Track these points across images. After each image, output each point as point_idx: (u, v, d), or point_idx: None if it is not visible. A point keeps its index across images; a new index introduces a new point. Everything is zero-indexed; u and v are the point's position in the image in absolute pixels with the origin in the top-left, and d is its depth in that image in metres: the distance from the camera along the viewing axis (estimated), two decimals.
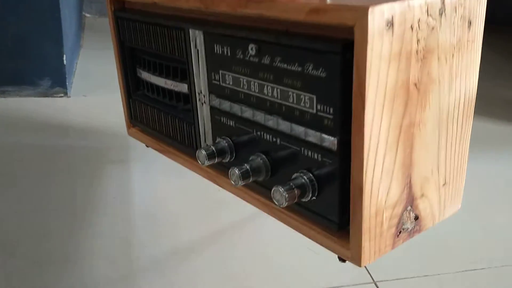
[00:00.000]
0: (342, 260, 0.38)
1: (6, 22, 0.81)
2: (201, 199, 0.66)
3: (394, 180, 0.35)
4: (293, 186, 0.36)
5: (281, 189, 0.35)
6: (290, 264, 0.53)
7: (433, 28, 0.33)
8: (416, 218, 0.38)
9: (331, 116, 0.33)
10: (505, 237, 0.61)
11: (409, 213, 0.37)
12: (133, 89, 0.59)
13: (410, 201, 0.37)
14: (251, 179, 0.40)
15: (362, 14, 0.29)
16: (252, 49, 0.38)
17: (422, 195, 0.38)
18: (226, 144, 0.44)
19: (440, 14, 0.33)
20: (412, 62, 0.32)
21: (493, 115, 0.97)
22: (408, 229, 0.38)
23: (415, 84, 0.33)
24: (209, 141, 0.47)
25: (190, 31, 0.45)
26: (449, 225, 0.52)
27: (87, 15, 1.39)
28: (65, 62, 0.89)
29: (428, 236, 0.49)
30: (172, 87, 0.51)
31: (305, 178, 0.36)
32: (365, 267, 0.47)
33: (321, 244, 0.38)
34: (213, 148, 0.43)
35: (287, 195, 0.35)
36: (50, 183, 0.69)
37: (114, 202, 0.65)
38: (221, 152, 0.44)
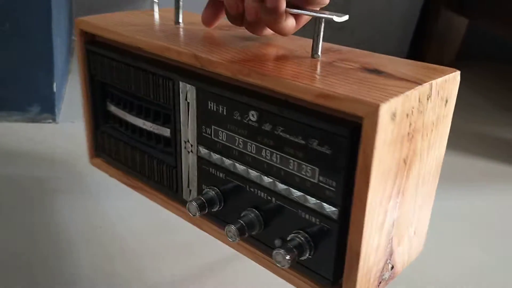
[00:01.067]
0: None
1: None
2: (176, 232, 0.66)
3: (382, 241, 0.39)
4: (293, 248, 0.39)
5: (283, 252, 0.38)
6: None
7: (421, 112, 0.37)
8: (392, 267, 0.43)
9: (333, 189, 0.37)
10: (474, 272, 0.64)
11: (388, 265, 0.42)
12: (101, 121, 0.58)
13: (390, 254, 0.41)
14: (246, 235, 0.42)
15: (373, 109, 0.32)
16: (253, 115, 0.40)
17: (398, 247, 0.42)
18: (215, 194, 0.45)
19: (427, 99, 0.37)
20: (404, 143, 0.36)
21: (465, 149, 1.02)
22: (386, 278, 0.42)
23: (404, 160, 0.37)
24: (193, 187, 0.49)
25: (181, 83, 0.45)
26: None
27: (76, 38, 1.43)
28: (54, 89, 0.89)
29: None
30: (151, 129, 0.51)
31: (302, 238, 0.39)
32: None
33: None
34: (203, 199, 0.45)
35: (289, 258, 0.38)
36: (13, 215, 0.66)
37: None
38: (210, 202, 0.45)
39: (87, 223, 0.67)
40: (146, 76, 0.49)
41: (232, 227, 0.41)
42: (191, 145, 0.47)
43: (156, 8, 0.58)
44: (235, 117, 0.42)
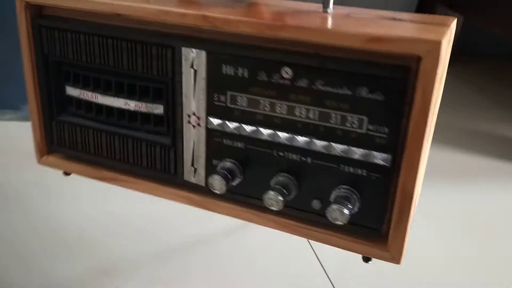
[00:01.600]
0: (366, 260, 0.42)
1: None
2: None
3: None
4: (346, 203, 0.38)
5: (338, 207, 0.37)
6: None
7: (447, 52, 0.39)
8: None
9: (385, 135, 0.37)
10: (471, 270, 0.64)
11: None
12: (56, 110, 0.50)
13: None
14: (287, 199, 0.40)
15: (435, 46, 0.33)
16: (286, 72, 0.38)
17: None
18: (234, 165, 0.42)
19: (448, 42, 0.39)
20: (442, 80, 0.38)
21: (459, 145, 1.00)
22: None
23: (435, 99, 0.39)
24: (200, 164, 0.45)
25: (184, 50, 0.41)
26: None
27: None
28: None
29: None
30: (137, 109, 0.46)
31: (349, 192, 0.39)
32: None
33: (357, 252, 0.41)
34: (225, 171, 0.41)
35: (347, 212, 0.37)
36: None
37: None
38: (232, 174, 0.42)
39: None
40: (131, 47, 0.43)
41: (272, 193, 0.39)
42: (198, 118, 0.43)
43: None
44: (260, 78, 0.39)
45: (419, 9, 1.48)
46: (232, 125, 0.42)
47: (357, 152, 0.38)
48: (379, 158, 0.37)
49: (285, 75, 0.38)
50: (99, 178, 0.51)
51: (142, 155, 0.47)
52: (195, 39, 0.41)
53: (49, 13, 0.47)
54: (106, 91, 0.46)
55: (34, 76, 0.49)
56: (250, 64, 0.39)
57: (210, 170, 0.44)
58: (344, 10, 0.43)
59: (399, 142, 0.37)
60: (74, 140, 0.50)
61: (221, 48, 0.40)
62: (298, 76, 0.38)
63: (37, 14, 0.47)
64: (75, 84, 0.48)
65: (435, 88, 0.34)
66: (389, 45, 0.34)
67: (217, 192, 0.42)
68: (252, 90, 0.40)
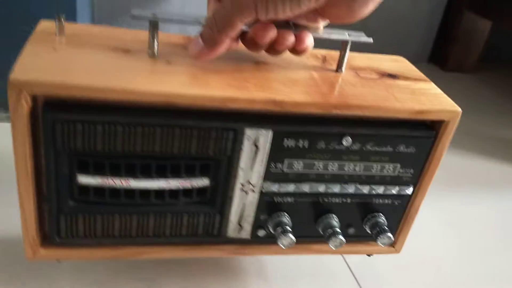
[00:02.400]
0: (369, 255, 0.56)
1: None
2: None
3: None
4: (385, 227, 0.49)
5: (387, 235, 0.48)
6: None
7: None
8: None
9: (410, 175, 0.48)
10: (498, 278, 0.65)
11: None
12: (63, 201, 0.43)
13: None
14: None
15: (456, 114, 0.45)
16: (346, 141, 0.44)
17: None
18: (286, 218, 0.48)
19: None
20: None
21: (488, 152, 0.97)
22: None
23: None
24: (247, 222, 0.48)
25: (247, 130, 0.42)
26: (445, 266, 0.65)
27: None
28: None
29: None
30: (178, 186, 0.44)
31: (380, 217, 0.50)
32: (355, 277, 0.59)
33: (376, 253, 0.54)
34: (285, 227, 0.47)
35: (390, 235, 0.49)
36: None
37: None
38: (285, 224, 0.47)
39: None
40: (185, 133, 0.41)
41: (340, 236, 0.47)
42: (253, 185, 0.45)
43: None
44: (318, 147, 0.45)
45: (447, 15, 1.42)
46: (286, 186, 0.46)
47: (390, 189, 0.49)
48: (405, 190, 0.49)
49: (344, 143, 0.45)
50: (116, 257, 0.47)
51: (182, 226, 0.47)
52: (260, 120, 0.42)
53: (61, 99, 0.38)
54: (135, 176, 0.43)
55: (29, 172, 0.40)
56: (312, 137, 0.44)
57: (257, 224, 0.48)
58: (350, 72, 0.50)
59: (420, 177, 0.49)
60: (91, 228, 0.44)
61: (287, 126, 0.43)
62: (354, 142, 0.45)
63: (50, 105, 0.38)
64: (96, 173, 0.42)
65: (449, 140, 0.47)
66: (428, 115, 0.45)
67: (284, 247, 0.47)
68: (309, 156, 0.45)
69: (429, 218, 0.72)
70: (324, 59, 0.51)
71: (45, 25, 0.46)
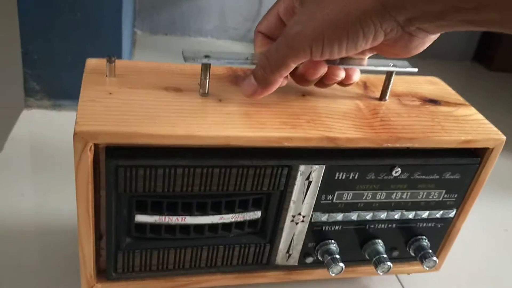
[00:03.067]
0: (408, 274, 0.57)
1: (69, 39, 0.78)
2: None
3: None
4: (429, 251, 0.50)
5: (433, 258, 0.49)
6: None
7: None
8: None
9: (454, 199, 0.49)
10: None
11: None
12: (121, 239, 0.44)
13: None
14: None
15: (501, 141, 0.46)
16: (396, 172, 0.45)
17: None
18: (334, 246, 0.49)
19: None
20: None
21: None
22: None
23: None
24: (296, 250, 0.49)
25: (301, 166, 0.43)
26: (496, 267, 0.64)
27: (138, 32, 1.28)
28: None
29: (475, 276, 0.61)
30: (232, 220, 0.45)
31: (425, 242, 0.51)
32: None
33: (420, 272, 0.55)
34: (334, 256, 0.48)
35: (435, 259, 0.50)
36: None
37: None
38: (333, 253, 0.48)
39: None
40: (241, 172, 0.41)
41: (388, 263, 0.48)
42: (303, 216, 0.46)
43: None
44: (368, 178, 0.45)
45: None
46: (335, 216, 0.47)
47: (434, 214, 0.50)
48: (448, 214, 0.50)
49: (394, 173, 0.46)
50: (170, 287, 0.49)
51: (234, 257, 0.48)
52: (314, 156, 0.43)
53: (124, 148, 0.39)
54: (193, 212, 0.44)
55: (90, 214, 0.41)
56: (362, 169, 0.45)
57: (304, 251, 0.49)
58: (393, 100, 0.50)
59: (463, 201, 0.50)
60: (147, 263, 0.45)
61: (339, 160, 0.44)
62: (403, 172, 0.46)
63: (112, 153, 0.39)
64: (153, 212, 0.43)
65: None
66: (474, 144, 0.46)
67: (334, 275, 0.48)
68: (359, 187, 0.46)
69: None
70: (365, 86, 0.52)
71: (94, 65, 0.46)
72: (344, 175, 0.45)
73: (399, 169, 0.46)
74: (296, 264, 0.50)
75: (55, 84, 0.83)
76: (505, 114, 1.14)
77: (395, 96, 0.50)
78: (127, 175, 0.39)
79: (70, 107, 0.85)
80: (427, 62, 1.42)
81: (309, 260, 0.50)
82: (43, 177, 0.68)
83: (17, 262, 0.53)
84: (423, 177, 0.47)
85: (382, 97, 0.49)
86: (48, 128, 0.80)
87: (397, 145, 0.44)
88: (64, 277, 0.52)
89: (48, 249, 0.56)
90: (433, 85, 0.55)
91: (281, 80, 0.42)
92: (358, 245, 0.51)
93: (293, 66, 0.41)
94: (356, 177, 0.45)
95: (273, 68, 0.41)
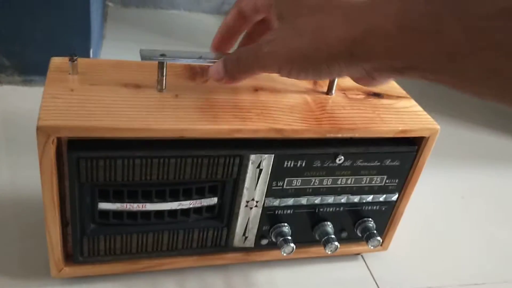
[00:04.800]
0: (357, 254, 0.62)
1: (36, 14, 0.81)
2: None
3: None
4: (374, 232, 0.55)
5: (377, 238, 0.54)
6: None
7: None
8: None
9: (396, 184, 0.54)
10: (507, 254, 0.68)
11: None
12: (85, 225, 0.47)
13: None
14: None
15: (436, 131, 0.51)
16: (339, 159, 0.49)
17: None
18: (286, 228, 0.53)
19: None
20: None
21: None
22: None
23: None
24: (251, 233, 0.53)
25: (252, 156, 0.47)
26: (453, 238, 0.69)
27: (110, 4, 1.31)
28: (91, 55, 0.88)
29: (432, 249, 0.66)
30: (190, 206, 0.49)
31: (370, 222, 0.56)
32: (373, 277, 0.60)
33: (367, 252, 0.60)
34: (286, 237, 0.52)
35: (379, 239, 0.54)
36: None
37: None
38: (286, 235, 0.53)
39: None
40: (196, 162, 0.45)
41: (335, 243, 0.53)
42: (256, 202, 0.50)
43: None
44: (314, 165, 0.50)
45: None
46: (286, 200, 0.51)
47: (378, 197, 0.55)
48: (391, 197, 0.55)
49: (338, 161, 0.50)
50: (133, 270, 0.52)
51: (193, 240, 0.51)
52: (263, 146, 0.47)
53: (84, 140, 0.42)
54: (152, 199, 0.47)
55: (55, 202, 0.44)
56: (309, 157, 0.49)
57: (259, 234, 0.53)
58: (339, 94, 0.54)
59: (404, 185, 0.55)
60: (111, 247, 0.49)
61: (287, 150, 0.48)
62: (346, 159, 0.50)
63: (73, 145, 0.42)
64: (115, 200, 0.46)
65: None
66: (411, 133, 0.50)
67: (285, 255, 0.52)
68: (307, 173, 0.50)
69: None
70: (314, 81, 0.55)
71: (58, 63, 0.49)
72: (292, 163, 0.49)
73: (342, 157, 0.50)
74: (253, 246, 0.54)
75: (25, 59, 0.85)
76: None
77: (341, 90, 0.55)
78: (88, 166, 0.43)
79: (40, 83, 0.86)
80: None
81: (264, 242, 0.54)
82: (14, 151, 0.70)
83: None
84: (365, 164, 0.51)
85: (328, 91, 0.53)
86: (19, 103, 0.82)
87: (339, 135, 0.48)
88: (37, 249, 0.54)
89: (21, 222, 0.58)
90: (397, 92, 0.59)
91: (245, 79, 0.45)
92: (310, 227, 0.55)
93: (258, 74, 0.44)
94: (303, 165, 0.49)
95: (241, 70, 0.44)
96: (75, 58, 0.47)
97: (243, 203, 0.50)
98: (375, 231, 0.55)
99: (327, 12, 0.38)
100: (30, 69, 0.86)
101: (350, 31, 0.36)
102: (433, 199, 0.77)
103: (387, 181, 0.54)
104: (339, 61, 0.37)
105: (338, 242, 0.53)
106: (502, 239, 0.70)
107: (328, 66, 0.38)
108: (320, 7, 0.38)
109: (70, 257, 0.50)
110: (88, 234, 0.48)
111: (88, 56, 0.88)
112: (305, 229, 0.55)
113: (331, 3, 0.38)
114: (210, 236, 0.52)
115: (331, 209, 0.54)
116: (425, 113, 0.53)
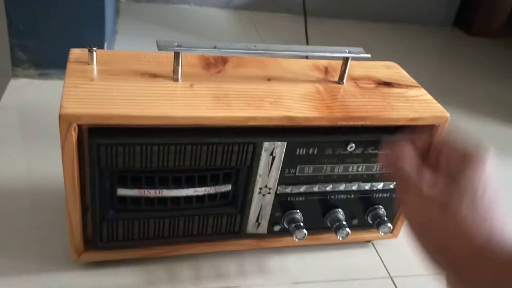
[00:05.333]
0: (368, 241, 0.63)
1: (51, 9, 0.83)
2: None
3: None
4: (385, 219, 0.56)
5: (388, 224, 0.55)
6: None
7: None
8: None
9: None
10: None
11: None
12: (105, 211, 0.49)
13: None
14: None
15: (445, 119, 0.52)
16: (351, 147, 0.51)
17: None
18: (298, 215, 0.54)
19: None
20: None
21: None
22: None
23: None
24: (264, 219, 0.54)
25: (265, 143, 0.48)
26: None
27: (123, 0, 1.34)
28: (105, 49, 0.89)
29: None
30: (205, 193, 0.50)
31: (382, 211, 0.57)
32: (384, 264, 0.61)
33: (377, 238, 0.61)
34: (298, 223, 0.53)
35: (390, 225, 0.55)
36: None
37: None
38: (298, 221, 0.54)
39: None
40: (211, 149, 0.47)
41: (346, 229, 0.54)
42: (269, 188, 0.52)
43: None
44: (326, 153, 0.51)
45: None
46: (298, 187, 0.53)
47: (388, 184, 0.56)
48: None
49: (349, 149, 0.51)
50: (151, 255, 0.54)
51: (208, 226, 0.53)
52: (276, 134, 0.48)
53: (104, 128, 0.44)
54: (169, 186, 0.49)
55: (76, 188, 0.46)
56: (320, 145, 0.50)
57: (272, 220, 0.55)
58: (350, 83, 0.55)
59: None
60: (129, 232, 0.51)
61: (299, 137, 0.49)
62: (357, 147, 0.51)
63: (94, 132, 0.44)
64: (133, 186, 0.48)
65: None
66: (421, 121, 0.51)
67: (297, 240, 0.54)
68: (318, 161, 0.51)
69: None
70: (326, 71, 0.57)
71: (77, 54, 0.51)
72: (304, 151, 0.50)
73: (353, 144, 0.51)
74: (265, 232, 0.56)
75: (41, 53, 0.87)
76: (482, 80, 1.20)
77: (352, 80, 0.56)
78: (108, 152, 0.44)
79: (56, 76, 0.89)
80: (411, 27, 1.49)
81: (277, 228, 0.56)
82: (32, 143, 0.72)
83: (9, 221, 0.58)
84: (376, 151, 0.53)
85: (340, 80, 0.54)
86: (35, 96, 0.84)
87: (350, 123, 0.49)
88: (56, 236, 0.56)
89: (39, 210, 0.60)
90: (388, 69, 0.60)
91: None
92: (321, 214, 0.56)
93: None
94: (315, 152, 0.51)
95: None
96: (94, 49, 0.49)
97: (256, 190, 0.52)
98: (385, 218, 0.56)
99: None
100: (46, 63, 0.88)
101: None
102: None
103: None
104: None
105: (349, 229, 0.55)
106: None
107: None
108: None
109: (89, 242, 0.52)
110: (107, 219, 0.49)
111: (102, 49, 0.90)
112: (317, 216, 0.56)
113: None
114: (224, 222, 0.53)
115: (342, 196, 0.55)
116: (435, 101, 0.54)
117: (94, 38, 0.88)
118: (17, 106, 0.82)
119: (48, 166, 0.66)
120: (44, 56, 0.87)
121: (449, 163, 0.36)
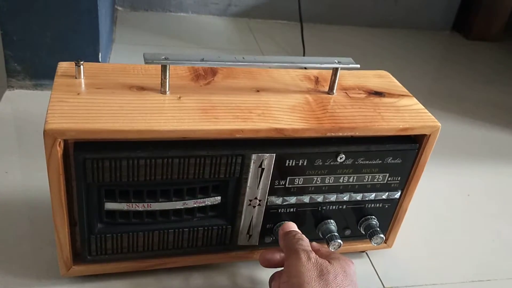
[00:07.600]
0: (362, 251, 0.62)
1: (46, 20, 0.83)
2: None
3: None
4: (377, 229, 0.55)
5: (380, 235, 0.55)
6: None
7: None
8: None
9: (398, 181, 0.54)
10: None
11: None
12: (93, 225, 0.48)
13: None
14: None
15: (437, 128, 0.51)
16: (341, 158, 0.50)
17: None
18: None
19: None
20: None
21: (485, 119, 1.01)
22: None
23: None
24: (255, 231, 0.54)
25: (254, 155, 0.47)
26: (458, 236, 0.69)
27: (119, 8, 1.35)
28: (100, 59, 0.90)
29: (436, 247, 0.66)
30: (194, 206, 0.50)
31: (373, 219, 0.56)
32: (378, 274, 0.60)
33: (370, 249, 0.60)
34: None
35: (382, 236, 0.55)
36: None
37: None
38: None
39: None
40: (199, 162, 0.46)
41: (338, 240, 0.53)
42: (259, 200, 0.51)
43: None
44: (316, 164, 0.50)
45: None
46: (288, 199, 0.52)
47: (380, 195, 0.55)
48: (393, 195, 0.56)
49: (339, 160, 0.51)
50: (140, 268, 0.53)
51: (198, 238, 0.53)
52: (264, 145, 0.48)
53: (90, 142, 0.44)
54: (158, 199, 0.48)
55: (63, 203, 0.46)
56: (310, 156, 0.50)
57: (263, 232, 0.54)
58: (340, 93, 0.55)
59: (406, 183, 0.55)
60: (118, 246, 0.50)
61: (288, 149, 0.49)
62: (347, 158, 0.51)
63: (79, 147, 0.43)
64: (121, 200, 0.48)
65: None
66: (412, 131, 0.51)
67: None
68: (308, 172, 0.51)
69: None
70: (317, 81, 0.56)
71: (64, 68, 0.51)
72: (294, 162, 0.50)
73: (343, 155, 0.50)
74: (257, 244, 0.55)
75: (36, 64, 0.87)
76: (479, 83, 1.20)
77: (343, 90, 0.55)
78: (94, 167, 0.44)
79: (51, 87, 0.88)
80: (410, 32, 1.49)
81: (268, 240, 0.55)
82: (26, 154, 0.72)
83: (2, 234, 0.58)
84: (367, 162, 0.52)
85: (330, 90, 0.54)
86: (30, 107, 0.84)
87: (340, 134, 0.49)
88: (46, 249, 0.56)
89: (31, 222, 0.60)
90: (380, 78, 0.59)
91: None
92: (313, 225, 0.56)
93: None
94: (305, 164, 0.50)
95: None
96: (81, 62, 0.49)
97: (246, 202, 0.51)
98: (378, 229, 0.56)
99: None
100: (41, 73, 0.88)
101: None
102: (439, 197, 0.77)
103: (389, 179, 0.54)
104: None
105: (342, 240, 0.54)
106: (509, 237, 0.70)
107: None
108: None
109: (78, 256, 0.51)
110: (96, 233, 0.49)
111: (97, 60, 0.90)
112: (309, 227, 0.55)
113: None
114: (214, 234, 0.53)
115: (334, 207, 0.55)
116: (426, 111, 0.54)
117: (89, 49, 0.88)
118: (13, 117, 0.82)
119: (42, 177, 0.65)
120: (39, 67, 0.87)
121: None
